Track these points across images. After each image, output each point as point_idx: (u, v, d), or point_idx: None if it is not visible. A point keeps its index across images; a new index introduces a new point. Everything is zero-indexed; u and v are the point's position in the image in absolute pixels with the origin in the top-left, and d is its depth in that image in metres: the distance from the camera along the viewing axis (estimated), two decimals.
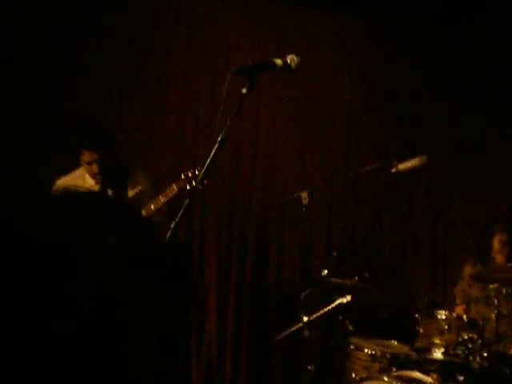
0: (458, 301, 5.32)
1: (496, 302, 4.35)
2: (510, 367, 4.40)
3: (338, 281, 4.65)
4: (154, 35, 5.71)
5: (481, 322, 4.40)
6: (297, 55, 2.76)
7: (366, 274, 4.66)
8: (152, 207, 4.47)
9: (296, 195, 4.63)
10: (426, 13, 5.98)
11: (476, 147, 6.16)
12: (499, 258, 5.21)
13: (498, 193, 6.02)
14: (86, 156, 4.47)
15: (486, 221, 5.44)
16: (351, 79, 6.23)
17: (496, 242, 5.24)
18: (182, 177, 4.53)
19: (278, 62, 2.72)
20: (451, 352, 4.25)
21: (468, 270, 5.35)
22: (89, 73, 5.42)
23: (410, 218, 6.27)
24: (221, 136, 2.58)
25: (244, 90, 2.61)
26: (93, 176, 4.51)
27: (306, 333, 4.58)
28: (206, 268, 5.73)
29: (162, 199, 4.47)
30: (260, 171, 5.89)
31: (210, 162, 2.55)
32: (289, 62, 2.73)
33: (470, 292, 5.30)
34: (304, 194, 4.65)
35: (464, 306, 5.23)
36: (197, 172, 4.46)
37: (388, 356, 4.59)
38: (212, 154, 2.56)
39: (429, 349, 4.34)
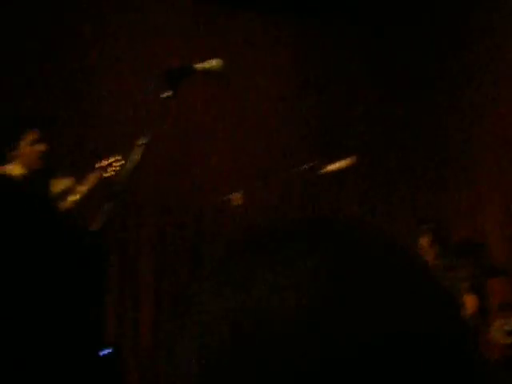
0: None
1: None
2: None
3: None
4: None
5: None
6: (221, 59, 2.78)
7: None
8: (72, 197, 4.35)
9: (230, 196, 4.64)
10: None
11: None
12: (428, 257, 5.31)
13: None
14: None
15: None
16: (284, 77, 6.31)
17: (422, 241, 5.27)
18: (99, 166, 4.45)
19: (199, 66, 2.75)
20: None
21: None
22: None
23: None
24: (142, 140, 2.63)
25: (166, 94, 2.64)
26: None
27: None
28: (140, 268, 5.73)
29: (80, 189, 4.35)
30: (196, 171, 5.91)
31: (130, 164, 2.58)
32: (209, 66, 2.76)
33: None
34: (237, 195, 4.66)
35: None
36: (115, 162, 4.38)
37: None
38: (132, 157, 2.59)
39: None
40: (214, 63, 2.78)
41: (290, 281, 0.52)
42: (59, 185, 4.26)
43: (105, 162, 4.43)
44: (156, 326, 5.58)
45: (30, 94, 5.23)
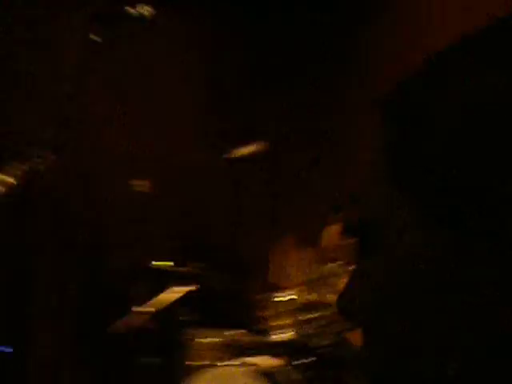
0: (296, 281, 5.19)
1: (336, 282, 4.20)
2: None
3: (176, 269, 4.44)
4: None
5: (326, 302, 4.31)
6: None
7: (203, 263, 4.50)
8: None
9: (134, 183, 4.48)
10: None
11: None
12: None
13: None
14: None
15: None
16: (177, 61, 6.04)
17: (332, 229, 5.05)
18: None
19: (132, 11, 2.55)
20: (298, 332, 4.16)
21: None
22: None
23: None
24: None
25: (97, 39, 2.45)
26: None
27: (145, 325, 4.38)
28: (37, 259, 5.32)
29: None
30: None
31: None
32: (141, 11, 2.56)
33: (310, 273, 5.20)
34: (141, 183, 4.54)
35: (303, 287, 5.09)
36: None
37: (230, 344, 4.42)
38: None
39: (274, 331, 4.19)
40: (148, 9, 2.62)
41: None
42: None
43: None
44: None
45: None
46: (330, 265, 4.35)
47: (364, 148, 5.41)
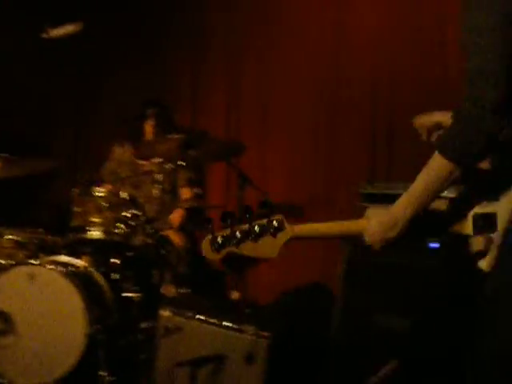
0: (104, 179, 4.97)
1: (156, 179, 4.01)
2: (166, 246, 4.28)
3: None
4: None
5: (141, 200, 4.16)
6: None
7: None
8: None
9: None
10: None
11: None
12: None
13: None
14: None
15: (140, 105, 5.10)
16: None
17: (147, 126, 4.98)
18: None
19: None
20: (111, 230, 3.97)
21: (117, 151, 5.07)
22: None
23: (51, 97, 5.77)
24: None
25: None
26: None
27: None
28: None
29: None
30: None
31: None
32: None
33: (119, 172, 5.01)
34: None
35: (111, 186, 4.89)
36: None
37: (35, 241, 4.18)
38: None
39: (85, 228, 3.95)
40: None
41: None
42: None
43: None
44: None
45: None
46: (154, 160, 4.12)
47: None
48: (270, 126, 5.27)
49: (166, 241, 4.40)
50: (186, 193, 4.98)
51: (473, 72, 1.82)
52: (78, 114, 5.84)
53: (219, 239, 2.01)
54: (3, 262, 3.91)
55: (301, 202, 5.01)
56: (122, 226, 3.97)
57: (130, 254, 4.07)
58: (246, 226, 2.01)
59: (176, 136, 4.23)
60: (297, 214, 4.99)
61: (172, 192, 4.92)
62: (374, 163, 4.81)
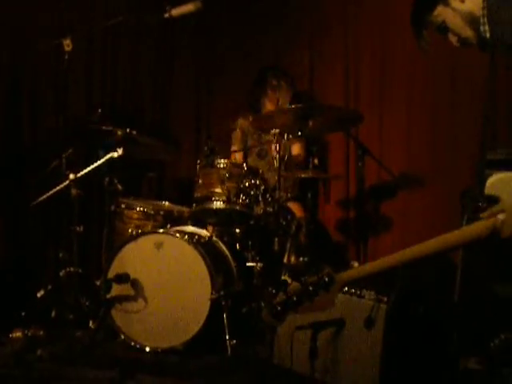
0: (234, 148, 5.06)
1: (277, 147, 4.06)
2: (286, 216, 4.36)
3: (109, 129, 4.22)
4: None
5: (260, 170, 4.25)
6: None
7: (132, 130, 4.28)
8: None
9: (58, 41, 4.11)
10: None
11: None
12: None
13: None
14: None
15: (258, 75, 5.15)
16: None
17: (268, 95, 5.02)
18: None
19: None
20: (233, 200, 4.09)
21: (242, 122, 5.14)
22: None
23: (173, 74, 5.93)
24: None
25: None
26: None
27: (73, 191, 4.18)
28: None
29: None
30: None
31: None
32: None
33: (246, 141, 5.11)
34: (67, 41, 4.16)
35: (241, 154, 5.00)
36: None
37: (162, 213, 4.39)
38: None
39: (209, 199, 4.08)
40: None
41: None
42: None
43: None
44: None
45: None
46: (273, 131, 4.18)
47: None
48: (389, 95, 5.20)
49: (286, 210, 4.48)
50: (295, 149, 5.06)
51: None
52: (198, 87, 5.98)
53: (278, 307, 2.09)
54: (132, 231, 4.12)
55: (421, 172, 4.96)
56: (244, 195, 4.08)
57: (251, 223, 4.18)
58: (299, 288, 2.07)
59: (294, 106, 4.27)
60: (416, 184, 4.95)
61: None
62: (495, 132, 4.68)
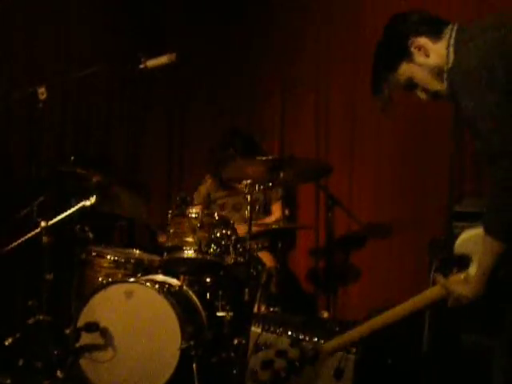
0: (196, 202, 5.13)
1: (248, 197, 4.10)
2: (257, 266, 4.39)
3: (83, 172, 4.23)
4: None
5: (232, 221, 4.27)
6: None
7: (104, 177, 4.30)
8: None
9: (32, 89, 4.12)
10: None
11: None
12: None
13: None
14: None
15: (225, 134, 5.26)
16: None
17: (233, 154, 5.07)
18: None
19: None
20: (204, 250, 4.09)
21: (210, 180, 5.28)
22: None
23: (146, 124, 6.08)
24: None
25: None
26: None
27: (45, 239, 4.15)
28: None
29: None
30: None
31: None
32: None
33: (214, 196, 5.18)
34: (41, 89, 4.17)
35: (201, 206, 5.04)
36: None
37: (132, 261, 4.38)
38: None
39: (180, 248, 4.09)
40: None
41: None
42: None
43: None
44: None
45: None
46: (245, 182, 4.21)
47: None
48: (358, 146, 5.30)
49: (257, 260, 4.50)
50: (276, 210, 5.12)
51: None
52: (171, 138, 6.07)
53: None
54: (103, 279, 4.12)
55: (390, 222, 5.04)
56: (215, 245, 4.10)
57: (222, 273, 4.20)
58: (284, 364, 2.13)
59: (264, 158, 4.33)
60: (385, 234, 5.03)
61: (264, 212, 5.10)
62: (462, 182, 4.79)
